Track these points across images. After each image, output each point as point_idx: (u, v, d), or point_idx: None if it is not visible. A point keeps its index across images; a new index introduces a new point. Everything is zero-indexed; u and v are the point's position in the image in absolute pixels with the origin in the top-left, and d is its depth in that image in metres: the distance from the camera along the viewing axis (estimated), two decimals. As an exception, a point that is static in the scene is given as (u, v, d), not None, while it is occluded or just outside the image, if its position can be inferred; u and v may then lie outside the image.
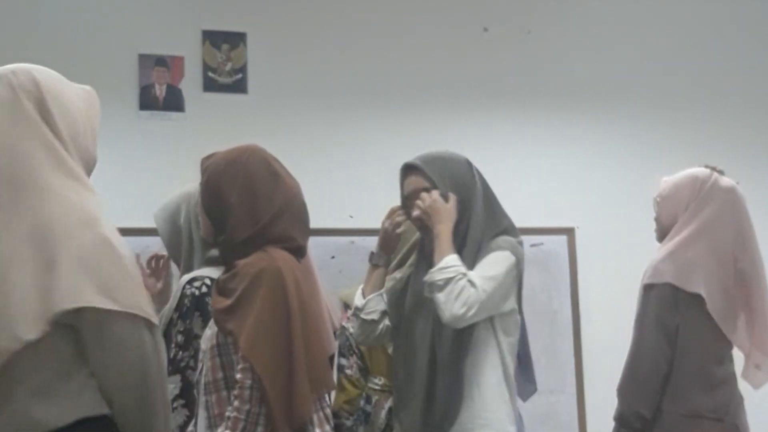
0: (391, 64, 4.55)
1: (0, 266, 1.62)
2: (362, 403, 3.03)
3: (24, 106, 1.73)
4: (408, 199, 2.66)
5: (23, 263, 1.62)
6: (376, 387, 2.98)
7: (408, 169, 2.68)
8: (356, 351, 3.03)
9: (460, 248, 2.55)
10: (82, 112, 1.83)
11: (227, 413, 2.22)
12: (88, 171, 1.84)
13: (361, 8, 4.56)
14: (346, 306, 3.11)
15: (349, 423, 2.98)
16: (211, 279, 2.52)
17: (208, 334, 2.34)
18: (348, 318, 3.06)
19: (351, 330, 3.01)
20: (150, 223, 2.82)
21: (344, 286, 3.56)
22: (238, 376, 2.22)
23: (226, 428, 2.19)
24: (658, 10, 4.92)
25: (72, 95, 1.82)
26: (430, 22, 4.63)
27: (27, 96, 1.75)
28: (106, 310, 1.64)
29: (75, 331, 1.66)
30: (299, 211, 2.42)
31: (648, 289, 3.11)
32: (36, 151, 1.71)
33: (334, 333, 3.17)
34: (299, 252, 2.42)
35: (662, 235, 3.17)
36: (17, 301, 1.60)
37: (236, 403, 2.20)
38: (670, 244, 3.06)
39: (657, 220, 3.21)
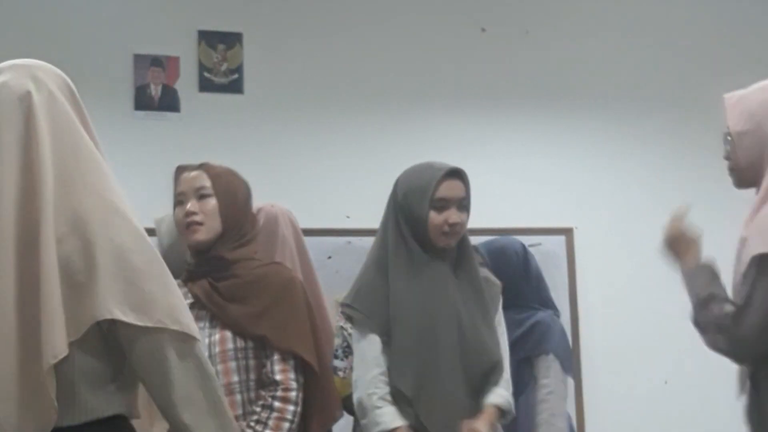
0: (388, 64, 4.54)
1: (43, 266, 1.60)
2: None
3: (67, 111, 1.71)
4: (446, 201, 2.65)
5: (63, 264, 1.61)
6: None
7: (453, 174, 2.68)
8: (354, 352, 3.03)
9: None
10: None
11: (261, 413, 2.27)
12: None
13: (358, 8, 4.55)
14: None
15: None
16: None
17: (206, 341, 2.34)
18: (345, 319, 3.06)
19: (350, 330, 3.00)
20: (146, 224, 2.80)
21: (341, 286, 3.53)
22: (279, 377, 2.28)
23: (264, 427, 2.22)
24: (657, 10, 4.91)
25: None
26: (428, 22, 4.62)
27: (66, 99, 1.73)
28: (136, 325, 1.63)
29: (112, 333, 1.66)
30: None
31: (764, 262, 2.11)
32: (81, 156, 1.70)
33: None
34: None
35: (742, 180, 2.34)
36: (55, 308, 1.59)
37: (278, 403, 2.23)
38: None
39: (732, 160, 2.33)
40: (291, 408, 2.25)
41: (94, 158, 1.71)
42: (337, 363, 2.96)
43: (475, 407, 2.56)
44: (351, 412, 3.04)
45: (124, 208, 1.70)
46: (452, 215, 2.62)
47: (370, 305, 2.61)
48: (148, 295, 1.64)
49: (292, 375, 2.27)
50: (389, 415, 2.48)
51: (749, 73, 5.00)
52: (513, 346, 2.95)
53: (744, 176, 2.31)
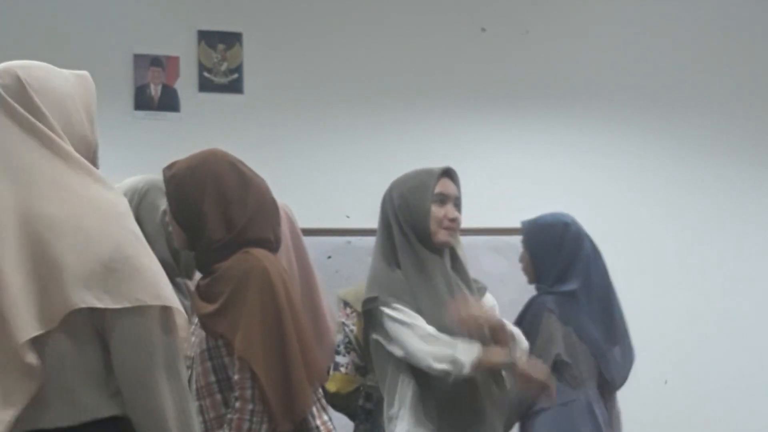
0: (388, 63, 4.54)
1: (17, 266, 1.60)
2: (362, 401, 3.02)
3: (14, 108, 1.71)
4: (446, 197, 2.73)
5: (36, 265, 1.60)
6: (376, 384, 2.97)
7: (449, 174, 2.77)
8: (356, 348, 3.02)
9: None
10: (74, 99, 1.80)
11: (229, 415, 2.22)
12: (90, 157, 1.80)
13: (358, 8, 4.55)
14: (345, 304, 3.10)
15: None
16: None
17: (194, 340, 2.33)
18: (347, 315, 3.05)
19: (351, 327, 3.00)
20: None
21: (341, 286, 3.55)
22: (236, 377, 2.23)
23: (230, 430, 2.19)
24: (656, 9, 4.91)
25: (60, 84, 1.79)
26: (428, 22, 4.61)
27: (14, 97, 1.72)
28: (114, 309, 1.61)
29: (101, 333, 1.65)
30: (271, 210, 2.45)
31: None
32: (38, 152, 1.69)
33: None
34: (276, 247, 2.46)
35: None
36: (17, 301, 1.58)
37: (238, 404, 2.22)
38: None
39: None
40: (249, 407, 2.22)
41: (51, 149, 1.69)
42: (339, 359, 2.95)
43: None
44: (349, 413, 3.03)
45: (94, 198, 1.68)
46: (451, 210, 2.70)
47: (400, 296, 2.63)
48: (122, 275, 1.61)
49: (247, 374, 2.23)
50: (469, 344, 2.53)
51: (749, 72, 5.04)
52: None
53: None
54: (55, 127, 1.73)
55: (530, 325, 3.10)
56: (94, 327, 1.64)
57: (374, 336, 2.67)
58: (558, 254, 3.23)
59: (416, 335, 2.55)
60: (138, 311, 1.62)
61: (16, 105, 1.71)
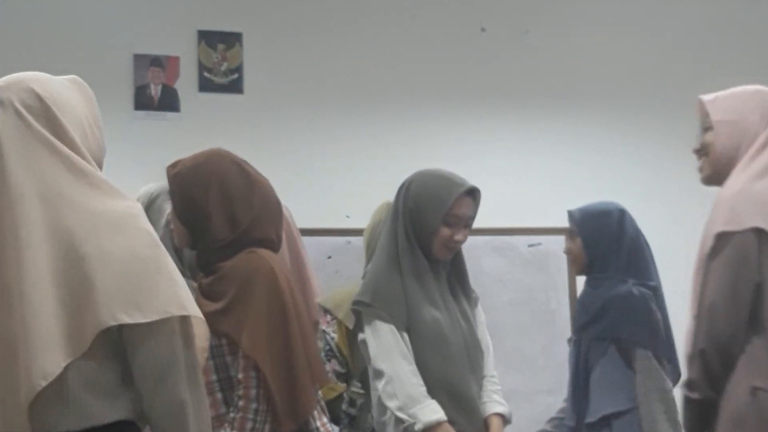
0: (387, 63, 4.54)
1: (39, 286, 1.60)
2: (345, 406, 3.02)
3: (33, 126, 1.70)
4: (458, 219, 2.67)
5: (59, 282, 1.61)
6: (361, 390, 2.97)
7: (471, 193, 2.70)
8: (337, 355, 3.02)
9: None
10: (83, 108, 1.80)
11: (231, 414, 2.22)
12: (100, 163, 1.82)
13: (358, 8, 4.55)
14: (326, 311, 3.09)
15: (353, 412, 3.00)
16: None
17: None
18: (327, 322, 3.05)
19: (332, 334, 3.00)
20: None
21: (341, 286, 3.55)
22: (241, 375, 2.23)
23: (232, 429, 2.19)
24: (656, 9, 4.91)
25: (69, 94, 1.79)
26: (428, 21, 4.62)
27: (32, 113, 1.72)
28: (143, 323, 1.63)
29: (116, 342, 1.66)
30: (275, 210, 2.45)
31: (723, 239, 2.25)
32: (57, 170, 1.69)
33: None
34: (278, 248, 2.46)
35: (717, 172, 2.42)
36: (46, 327, 1.58)
37: (241, 402, 2.21)
38: (744, 176, 2.30)
39: (708, 151, 2.43)
40: (252, 406, 2.22)
41: (71, 169, 1.69)
42: None
43: (478, 397, 2.67)
44: (331, 418, 3.02)
45: (109, 211, 1.68)
46: (459, 233, 2.67)
47: (391, 304, 2.62)
48: (148, 291, 1.63)
49: (252, 373, 2.23)
50: (438, 406, 2.53)
51: (747, 72, 5.00)
52: (584, 326, 3.04)
53: (717, 167, 2.41)
54: (76, 142, 1.73)
55: (628, 314, 3.01)
56: (110, 337, 1.65)
57: (361, 335, 2.68)
58: (619, 242, 3.13)
59: (397, 365, 2.56)
60: (161, 321, 1.65)
61: (35, 123, 1.70)
